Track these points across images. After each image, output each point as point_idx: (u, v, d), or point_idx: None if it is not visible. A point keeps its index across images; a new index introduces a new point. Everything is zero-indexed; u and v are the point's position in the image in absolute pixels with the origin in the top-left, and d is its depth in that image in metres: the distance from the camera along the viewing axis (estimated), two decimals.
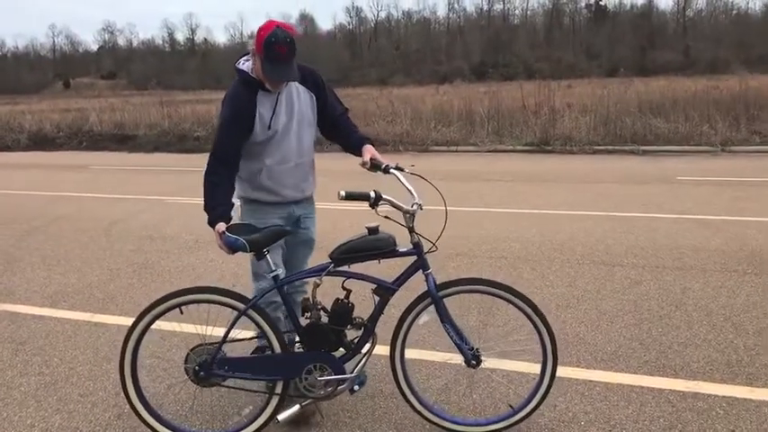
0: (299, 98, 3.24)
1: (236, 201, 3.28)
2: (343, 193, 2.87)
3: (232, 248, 2.98)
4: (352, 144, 3.38)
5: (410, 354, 3.08)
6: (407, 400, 3.10)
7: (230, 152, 3.16)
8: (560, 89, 21.28)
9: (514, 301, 3.05)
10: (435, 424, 3.08)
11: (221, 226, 3.06)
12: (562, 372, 3.68)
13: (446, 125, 17.11)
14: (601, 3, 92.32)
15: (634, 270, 5.53)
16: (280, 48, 2.91)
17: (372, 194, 2.90)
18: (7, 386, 3.77)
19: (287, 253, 3.46)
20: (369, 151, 3.28)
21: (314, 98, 3.30)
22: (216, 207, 3.12)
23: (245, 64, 3.16)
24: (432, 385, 3.59)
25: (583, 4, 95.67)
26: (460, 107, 18.71)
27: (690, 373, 3.65)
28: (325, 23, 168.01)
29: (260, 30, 2.94)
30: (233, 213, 3.19)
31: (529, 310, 3.04)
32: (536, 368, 3.12)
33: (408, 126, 16.88)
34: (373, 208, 2.93)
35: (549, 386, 3.04)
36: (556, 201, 8.77)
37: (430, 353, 3.91)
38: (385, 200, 2.93)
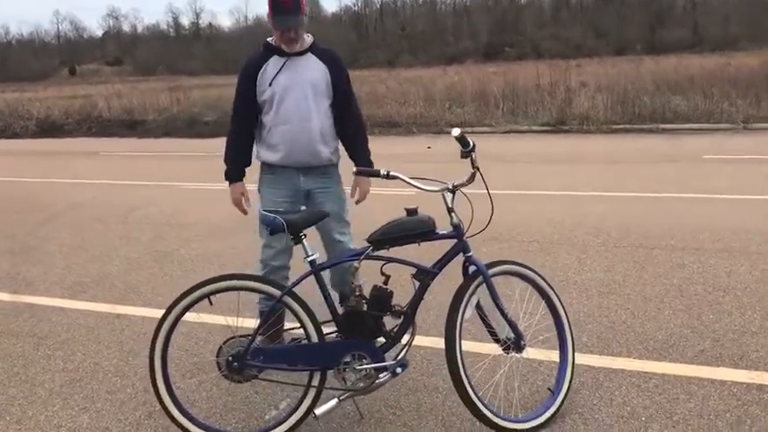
0: (309, 67, 3.39)
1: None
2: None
3: (270, 227, 2.85)
4: (355, 157, 3.61)
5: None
6: (467, 396, 2.76)
7: (241, 107, 3.49)
8: (570, 68, 20.95)
9: (542, 285, 3.10)
10: (491, 423, 2.83)
11: (236, 188, 3.57)
12: (615, 363, 3.50)
13: (460, 106, 16.85)
14: None
15: (674, 253, 5.31)
16: (284, 0, 3.20)
17: (383, 171, 2.95)
18: (31, 383, 3.60)
19: (321, 231, 3.57)
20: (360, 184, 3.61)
21: (327, 71, 3.41)
22: (232, 161, 3.58)
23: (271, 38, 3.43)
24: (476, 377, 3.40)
25: None
26: (473, 87, 18.44)
27: (750, 363, 3.44)
28: (330, 5, 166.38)
29: None
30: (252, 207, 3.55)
31: (552, 294, 3.11)
32: (555, 355, 3.12)
33: (422, 108, 16.62)
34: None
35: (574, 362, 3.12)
36: (580, 182, 8.54)
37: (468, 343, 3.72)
38: (400, 177, 2.92)
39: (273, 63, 3.36)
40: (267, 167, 3.55)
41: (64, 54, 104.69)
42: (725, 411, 2.99)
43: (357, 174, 3.20)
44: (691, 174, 8.70)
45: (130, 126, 19.51)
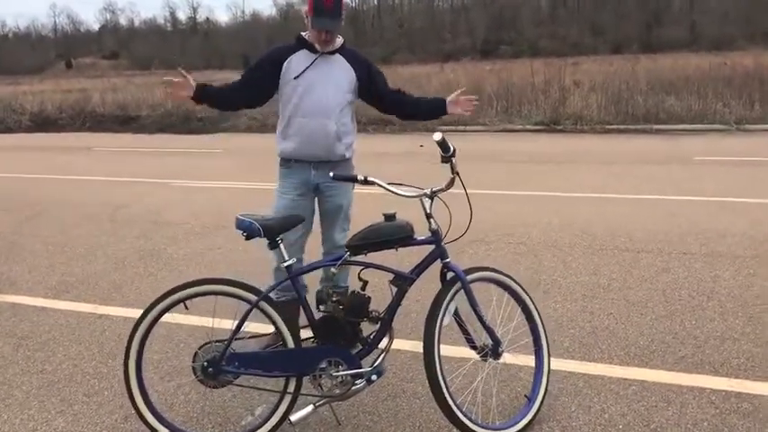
0: (338, 67, 3.48)
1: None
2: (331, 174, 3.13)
3: (246, 233, 2.83)
4: (429, 106, 3.74)
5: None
6: (444, 403, 2.74)
7: (248, 75, 3.54)
8: (567, 67, 20.92)
9: (518, 292, 3.11)
10: (468, 430, 2.80)
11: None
12: (595, 369, 3.50)
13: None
14: None
15: (660, 257, 5.30)
16: (327, 1, 3.26)
17: (360, 177, 2.98)
18: (9, 385, 3.58)
19: (324, 224, 3.72)
20: (458, 103, 3.65)
21: (353, 73, 3.51)
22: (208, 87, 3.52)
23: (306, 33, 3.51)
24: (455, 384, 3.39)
25: None
26: (468, 86, 18.38)
27: (730, 370, 3.44)
28: None
29: None
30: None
31: (528, 301, 3.13)
32: (531, 360, 3.13)
33: None
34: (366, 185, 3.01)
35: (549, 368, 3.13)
36: (571, 183, 8.53)
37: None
38: (377, 183, 2.94)
39: (303, 57, 3.44)
40: (284, 161, 3.62)
41: (60, 47, 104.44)
42: (702, 420, 2.98)
43: (333, 179, 3.17)
44: (681, 176, 8.69)
45: (124, 121, 19.46)
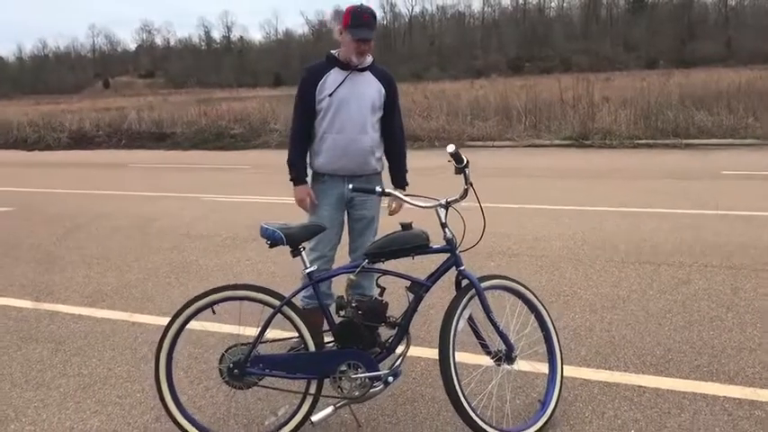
0: (368, 84, 3.64)
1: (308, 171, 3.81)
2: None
3: (269, 240, 2.97)
4: (393, 174, 3.90)
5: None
6: (459, 404, 2.81)
7: (301, 110, 3.68)
8: (599, 82, 20.90)
9: (531, 300, 3.19)
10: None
11: (302, 189, 3.71)
12: (610, 377, 3.56)
13: (483, 120, 16.93)
14: None
15: (681, 269, 5.34)
16: (365, 15, 3.47)
17: (378, 189, 3.17)
18: (47, 386, 3.77)
19: (353, 235, 3.85)
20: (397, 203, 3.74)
21: (382, 90, 3.67)
22: (296, 163, 3.73)
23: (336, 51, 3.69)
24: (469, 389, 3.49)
25: None
26: (497, 102, 18.51)
27: (745, 379, 3.48)
28: None
29: (347, 8, 3.52)
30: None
31: (542, 308, 3.21)
32: (544, 367, 3.22)
33: (444, 121, 16.75)
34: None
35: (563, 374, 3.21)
36: (596, 197, 8.57)
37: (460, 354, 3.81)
38: (394, 194, 3.19)
39: (335, 75, 3.60)
40: (317, 175, 3.76)
41: (98, 67, 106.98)
42: (714, 426, 3.04)
43: (352, 191, 3.32)
44: (708, 190, 8.68)
45: (159, 138, 19.94)
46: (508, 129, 16.28)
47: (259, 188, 10.64)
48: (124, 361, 4.08)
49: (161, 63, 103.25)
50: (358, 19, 3.47)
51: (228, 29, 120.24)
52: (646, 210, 7.61)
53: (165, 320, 4.55)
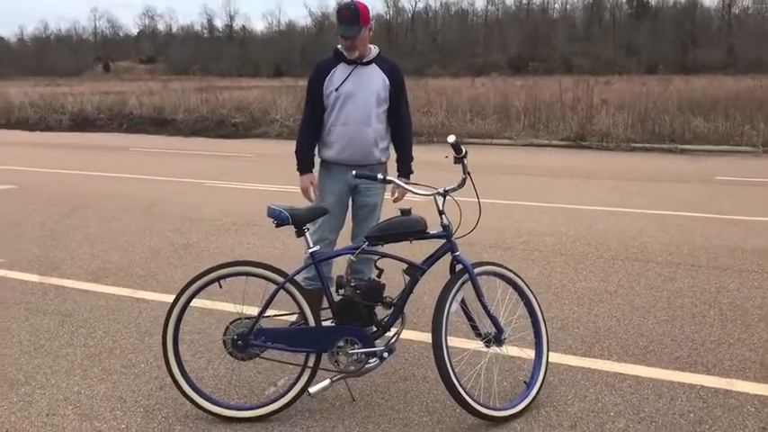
0: (373, 77, 3.80)
1: (316, 159, 4.00)
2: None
3: (276, 220, 3.14)
4: (399, 162, 4.07)
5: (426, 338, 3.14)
6: (449, 381, 2.99)
7: (310, 103, 3.89)
8: (598, 85, 21.03)
9: (521, 287, 3.35)
10: (472, 409, 3.07)
11: (307, 178, 3.93)
12: (593, 364, 3.74)
13: (482, 118, 17.09)
14: None
15: (668, 268, 5.52)
16: (344, 11, 3.63)
17: (380, 176, 3.33)
18: (55, 354, 3.92)
19: (356, 220, 4.04)
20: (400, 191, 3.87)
21: (387, 81, 3.82)
22: (302, 152, 3.94)
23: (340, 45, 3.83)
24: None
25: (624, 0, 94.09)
26: (497, 100, 18.65)
27: (722, 370, 3.66)
28: None
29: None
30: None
31: (531, 296, 3.37)
32: (531, 352, 3.40)
33: (443, 118, 16.89)
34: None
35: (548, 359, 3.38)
36: (591, 197, 8.75)
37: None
38: (395, 182, 3.39)
39: (342, 69, 3.78)
40: (324, 164, 3.96)
41: (99, 51, 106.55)
42: (689, 412, 3.22)
43: (355, 176, 3.44)
44: (700, 193, 8.87)
45: (160, 124, 20.06)
46: (507, 127, 16.45)
47: (260, 176, 10.81)
48: (128, 334, 4.24)
49: (163, 49, 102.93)
50: (340, 16, 3.66)
51: (231, 18, 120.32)
52: (638, 210, 7.79)
53: (167, 297, 4.74)
